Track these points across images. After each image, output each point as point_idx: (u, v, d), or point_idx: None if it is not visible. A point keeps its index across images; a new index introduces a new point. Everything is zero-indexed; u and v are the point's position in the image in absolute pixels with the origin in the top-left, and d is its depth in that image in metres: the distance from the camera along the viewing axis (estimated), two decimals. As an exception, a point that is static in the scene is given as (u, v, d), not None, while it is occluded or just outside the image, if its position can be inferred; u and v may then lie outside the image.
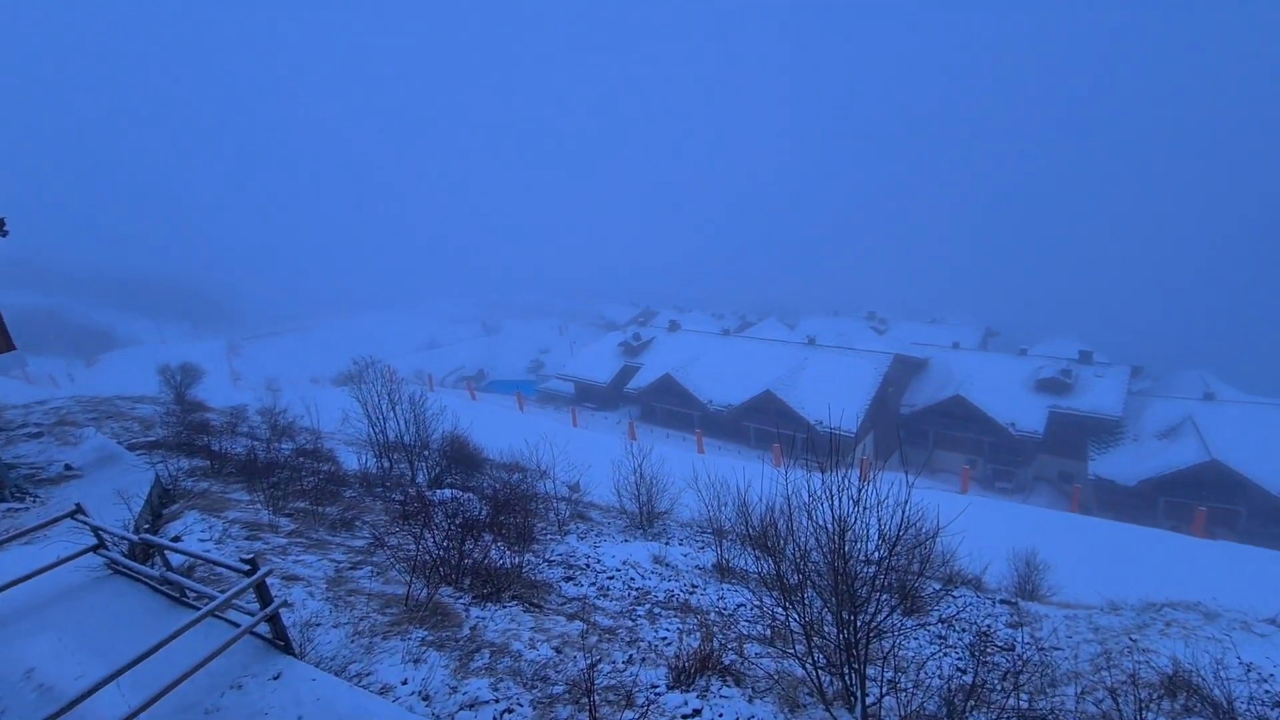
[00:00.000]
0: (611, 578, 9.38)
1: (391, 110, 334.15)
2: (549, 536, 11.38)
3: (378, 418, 15.54)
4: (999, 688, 4.53)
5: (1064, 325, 75.13)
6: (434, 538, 7.38)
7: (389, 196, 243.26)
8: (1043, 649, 7.39)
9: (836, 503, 4.35)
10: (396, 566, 7.54)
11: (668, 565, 10.30)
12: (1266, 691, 6.14)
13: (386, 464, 15.59)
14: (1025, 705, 4.56)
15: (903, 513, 4.35)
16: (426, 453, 16.18)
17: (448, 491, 13.10)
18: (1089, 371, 36.94)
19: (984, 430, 35.91)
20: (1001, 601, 10.43)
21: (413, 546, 7.17)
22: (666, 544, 11.79)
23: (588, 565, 9.93)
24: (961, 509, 10.43)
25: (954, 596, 9.68)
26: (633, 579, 9.41)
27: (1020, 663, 5.17)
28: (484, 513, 9.16)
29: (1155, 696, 5.35)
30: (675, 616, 7.50)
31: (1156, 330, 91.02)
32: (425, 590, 6.53)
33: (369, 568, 7.95)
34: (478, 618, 6.49)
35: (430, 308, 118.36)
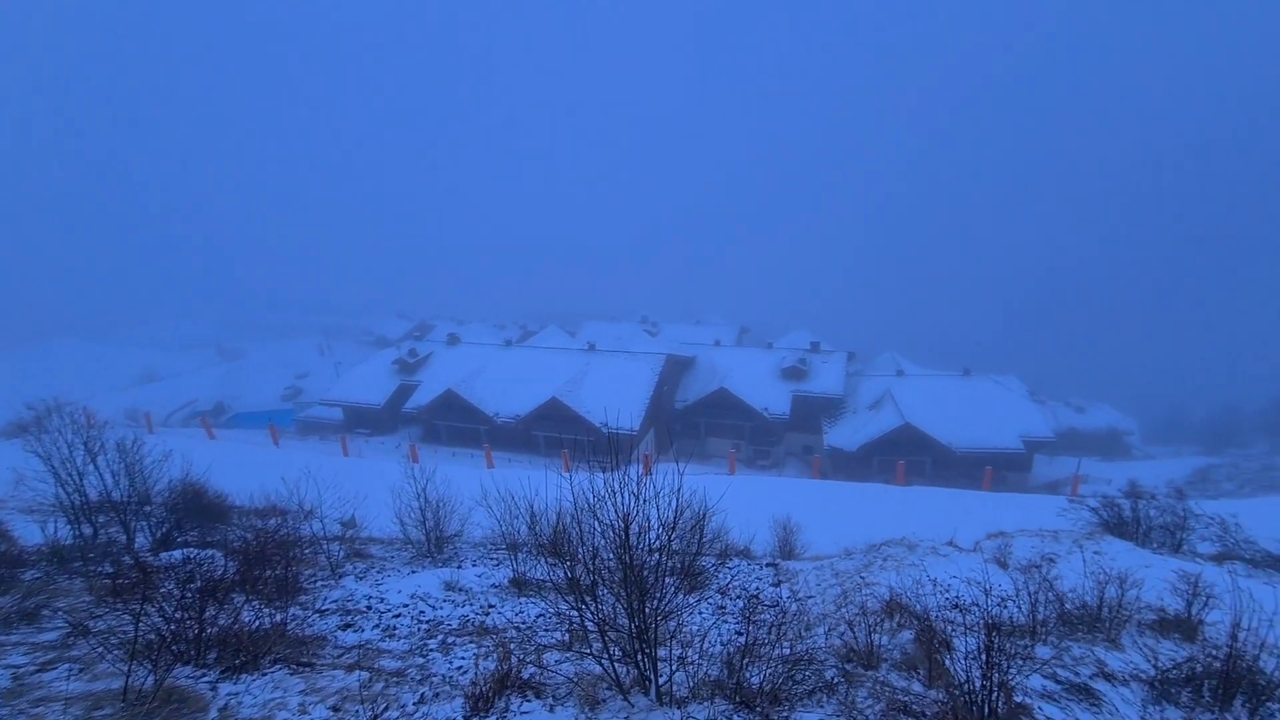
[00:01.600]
0: (398, 615, 8.64)
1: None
2: (320, 583, 10.09)
3: (71, 474, 12.29)
4: (767, 641, 5.17)
5: (798, 320, 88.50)
6: (162, 610, 6.05)
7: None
8: (799, 600, 8.61)
9: (619, 499, 4.56)
10: (110, 655, 6.03)
11: (462, 590, 9.81)
12: (947, 598, 7.91)
13: (89, 530, 12.41)
14: (788, 651, 5.25)
15: (676, 500, 4.73)
16: (148, 509, 13.24)
17: (179, 552, 10.88)
18: (818, 359, 43.99)
19: (745, 416, 40.64)
20: (767, 564, 11.87)
21: (131, 627, 5.79)
22: (459, 568, 11.24)
23: (369, 607, 9.02)
24: (731, 488, 11.62)
25: (729, 568, 10.79)
26: (423, 612, 8.78)
27: (783, 616, 5.97)
28: (231, 570, 7.78)
29: (878, 621, 6.55)
30: (471, 642, 7.17)
31: (862, 319, 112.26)
32: (152, 676, 5.33)
33: (67, 665, 6.24)
34: (229, 694, 5.48)
35: (145, 333, 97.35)
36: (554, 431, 36.47)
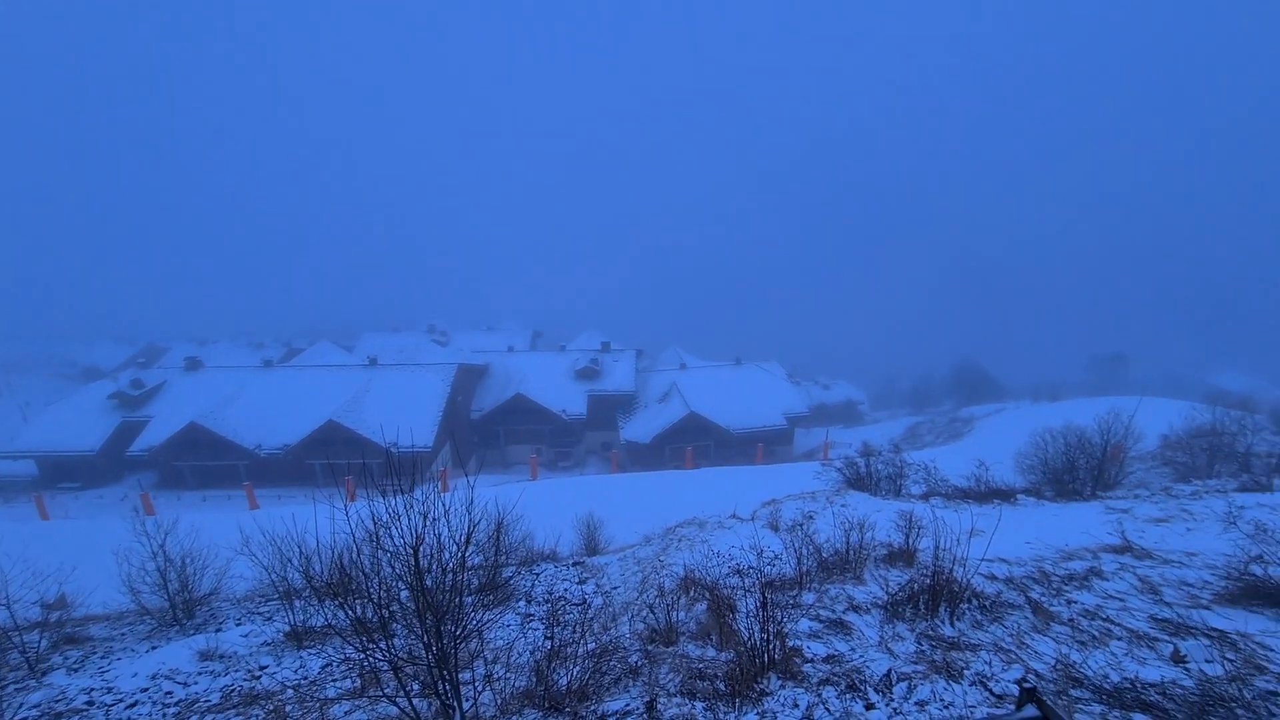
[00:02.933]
0: (134, 705, 7.07)
1: None
2: (11, 689, 7.83)
3: None
4: (573, 640, 5.25)
5: (588, 321, 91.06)
6: None
7: None
8: (605, 593, 8.89)
9: (407, 522, 4.26)
10: None
11: (223, 657, 8.35)
12: (731, 566, 8.80)
13: None
14: (594, 646, 5.40)
15: (468, 513, 4.57)
16: None
17: None
18: (609, 358, 45.75)
19: (543, 420, 40.70)
20: (573, 564, 12.04)
21: None
22: (218, 631, 9.55)
23: (91, 703, 7.24)
24: (532, 494, 11.54)
25: (535, 573, 10.74)
26: (170, 693, 7.29)
27: (588, 612, 6.12)
28: None
29: (676, 598, 7.05)
30: (238, 715, 6.14)
31: (647, 317, 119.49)
32: None
33: None
34: None
35: None
36: (334, 457, 32.84)
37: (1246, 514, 10.31)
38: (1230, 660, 5.39)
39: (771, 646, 5.12)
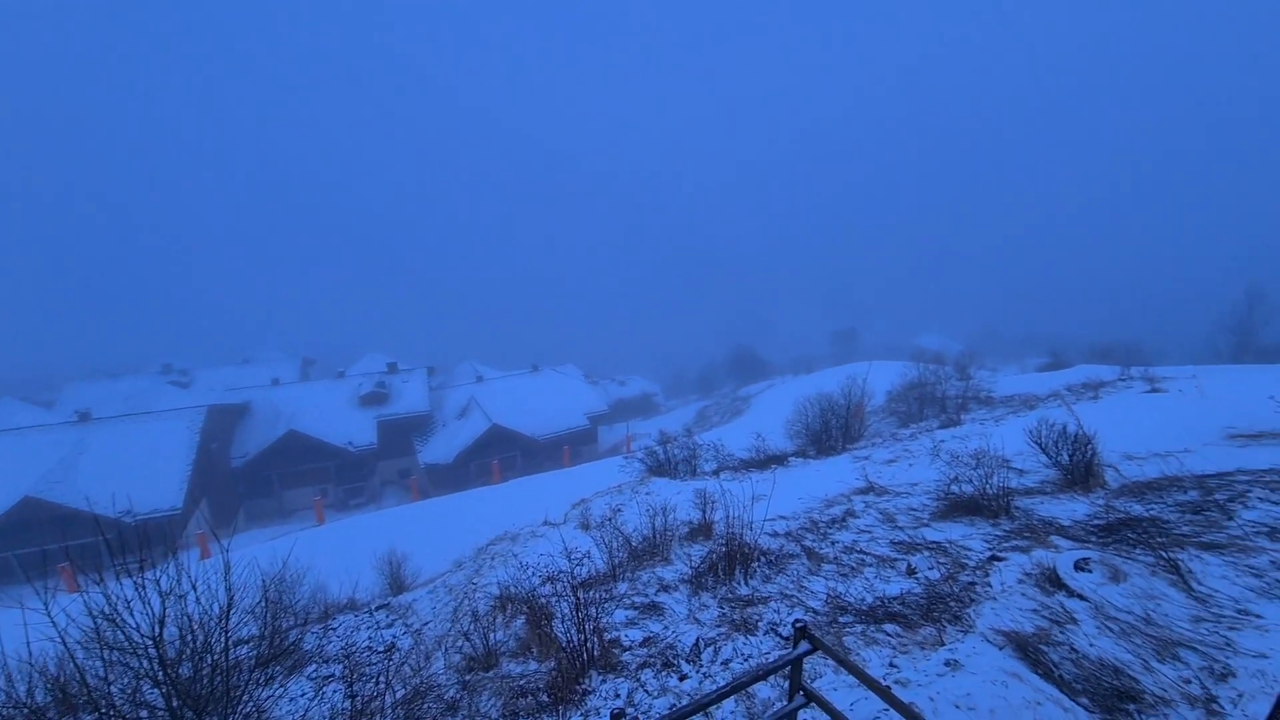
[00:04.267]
0: None
1: None
2: None
3: None
4: (377, 693, 4.81)
5: (369, 342, 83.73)
6: None
7: None
8: (415, 631, 8.28)
9: (146, 606, 3.49)
10: None
11: None
12: (543, 574, 8.79)
13: None
14: (405, 693, 5.00)
15: (225, 579, 3.89)
16: None
17: None
18: (398, 379, 42.61)
19: (326, 457, 36.50)
20: (377, 608, 11.01)
21: None
22: None
23: None
24: (322, 540, 10.28)
25: (332, 628, 9.61)
26: None
27: (396, 656, 5.64)
28: None
29: (492, 619, 6.83)
30: None
31: (434, 334, 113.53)
32: None
33: None
34: None
35: None
36: (37, 543, 25.83)
37: (945, 446, 13.02)
38: (943, 564, 6.77)
39: (590, 645, 5.21)
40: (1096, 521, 7.55)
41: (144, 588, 3.52)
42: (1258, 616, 4.94)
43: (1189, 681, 4.27)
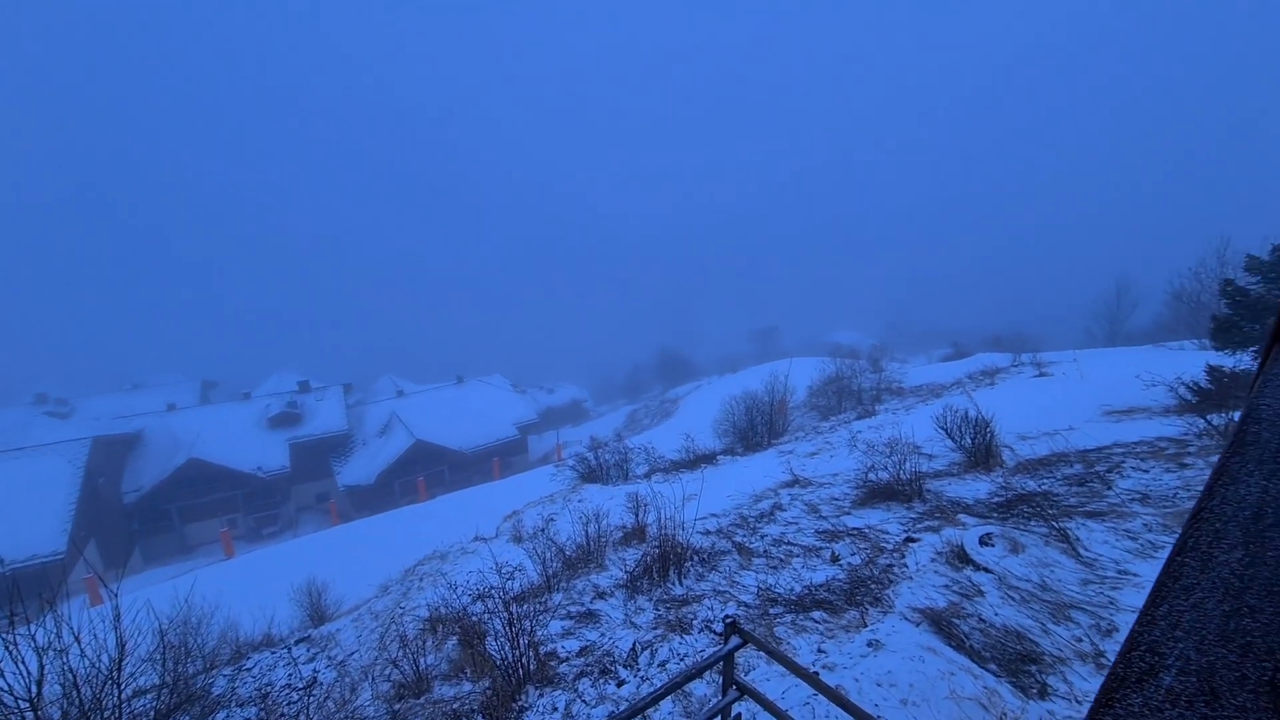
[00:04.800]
0: None
1: None
2: None
3: None
4: (299, 733, 4.53)
5: (278, 361, 78.87)
6: None
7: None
8: (339, 663, 7.85)
9: (19, 666, 3.11)
10: None
11: None
12: (477, 586, 8.58)
13: None
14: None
15: (116, 626, 3.54)
16: None
17: None
18: (311, 398, 40.35)
19: (233, 485, 34.05)
20: (296, 642, 10.36)
21: None
22: None
23: None
24: (231, 575, 9.56)
25: (245, 669, 8.96)
26: None
27: (318, 692, 5.32)
28: None
29: (422, 643, 6.58)
30: None
31: (352, 349, 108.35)
32: None
33: None
34: None
35: None
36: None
37: (862, 436, 13.68)
38: (864, 549, 7.11)
39: (525, 660, 5.12)
40: (997, 499, 8.15)
41: (15, 645, 3.14)
42: (1135, 575, 5.49)
43: (1080, 640, 4.69)
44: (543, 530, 11.69)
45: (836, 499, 9.99)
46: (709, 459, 16.94)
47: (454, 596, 7.83)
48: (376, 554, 19.29)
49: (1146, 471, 8.10)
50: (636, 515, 9.93)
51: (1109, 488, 7.72)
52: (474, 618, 6.68)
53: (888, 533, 7.62)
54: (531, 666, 5.08)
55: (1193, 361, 14.41)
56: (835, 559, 7.02)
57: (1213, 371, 10.17)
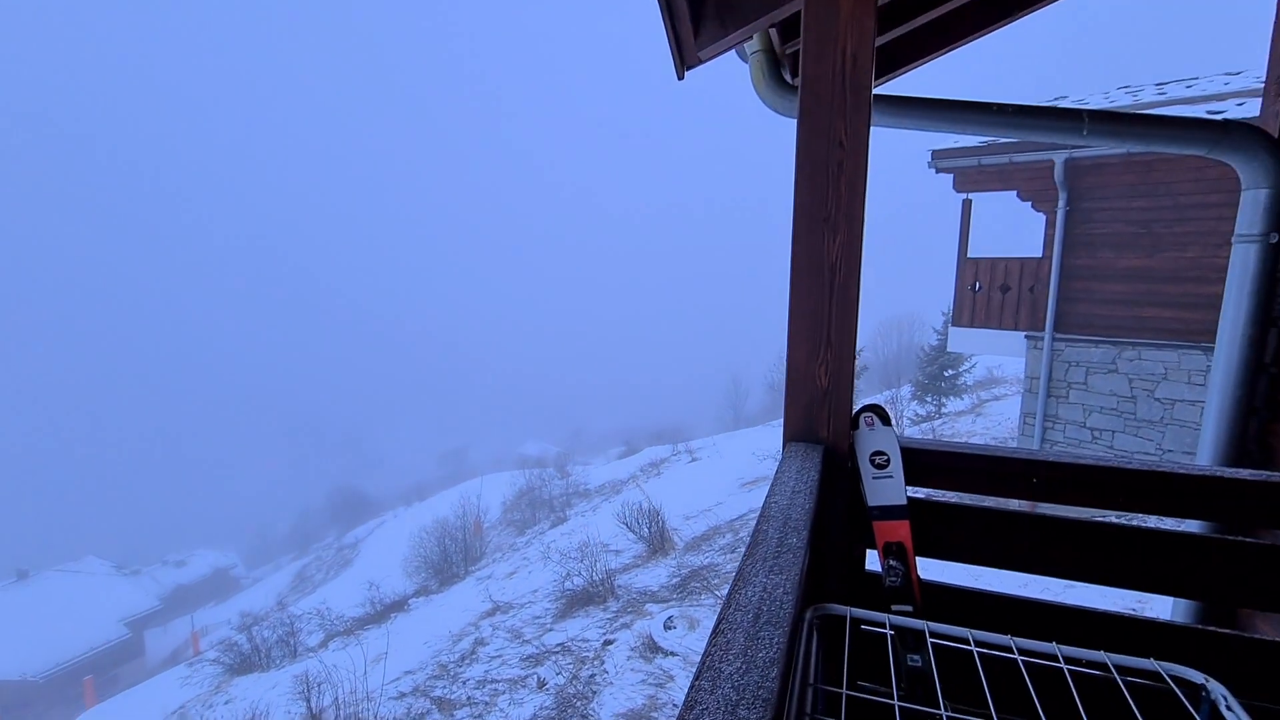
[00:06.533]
0: None
1: None
2: None
3: None
4: None
5: None
6: None
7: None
8: None
9: None
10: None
11: None
12: None
13: None
14: None
15: None
16: None
17: None
18: None
19: None
20: None
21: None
22: None
23: None
24: None
25: None
26: None
27: None
28: None
29: None
30: None
31: None
32: None
33: None
34: None
35: None
36: None
37: (555, 545, 13.95)
38: (568, 666, 7.08)
39: None
40: (675, 580, 9.06)
41: None
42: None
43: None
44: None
45: (538, 617, 9.84)
46: (399, 606, 15.13)
47: None
48: None
49: (773, 529, 10.03)
50: (309, 702, 8.18)
51: (751, 549, 9.29)
52: None
53: (589, 640, 7.74)
54: None
55: (788, 434, 18.76)
56: (541, 685, 6.81)
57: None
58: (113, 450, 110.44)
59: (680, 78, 1.74)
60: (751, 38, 1.82)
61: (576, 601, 9.40)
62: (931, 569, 1.59)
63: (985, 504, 1.65)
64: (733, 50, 1.88)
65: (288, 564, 50.25)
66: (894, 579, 1.39)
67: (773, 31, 1.88)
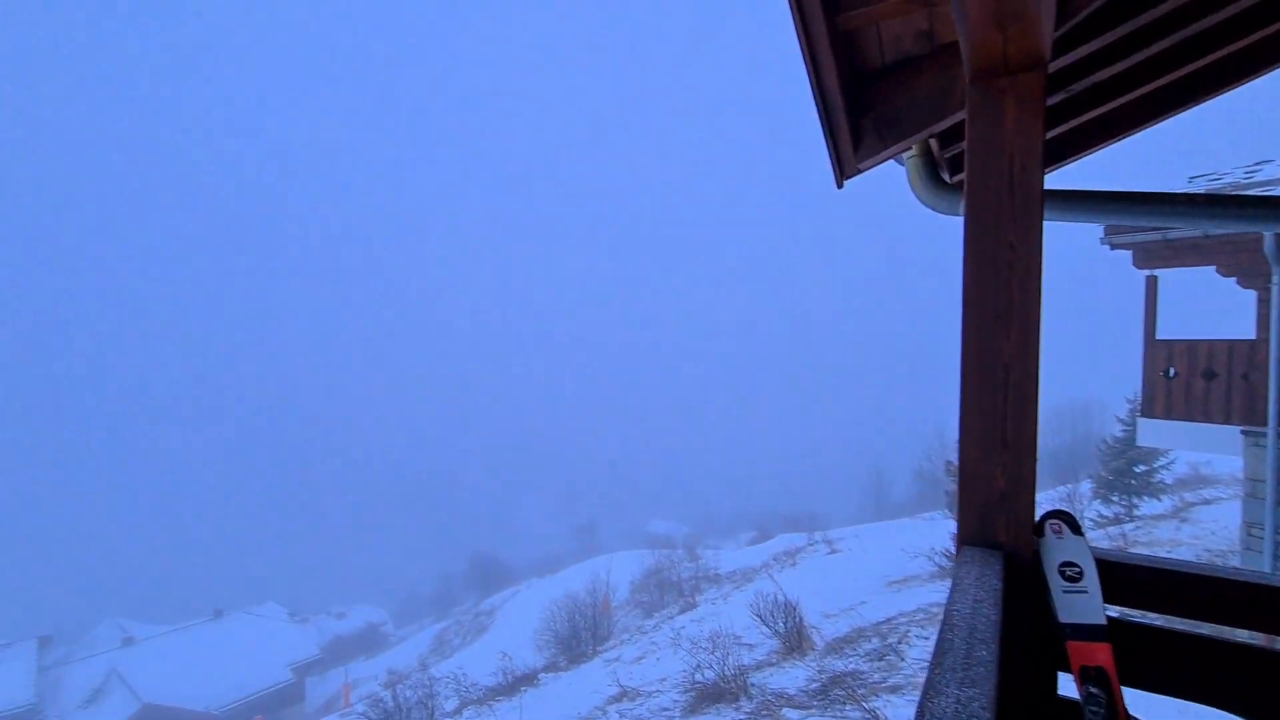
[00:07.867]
0: None
1: None
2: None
3: None
4: None
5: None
6: None
7: None
8: None
9: None
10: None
11: None
12: None
13: None
14: None
15: None
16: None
17: None
18: (-16, 662, 29.77)
19: None
20: None
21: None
22: None
23: None
24: None
25: None
26: None
27: None
28: None
29: None
30: None
31: (61, 585, 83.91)
32: None
33: None
34: None
35: None
36: None
37: (685, 632, 13.51)
38: (700, 766, 6.68)
39: None
40: (814, 684, 8.37)
41: None
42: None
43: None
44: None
45: (666, 709, 9.47)
46: (529, 679, 15.26)
47: None
48: None
49: (928, 638, 9.00)
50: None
51: (902, 659, 8.38)
52: None
53: (722, 740, 7.31)
54: None
55: (941, 531, 17.00)
56: (671, 784, 6.47)
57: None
58: (290, 504, 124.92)
59: (839, 187, 1.86)
60: (911, 147, 1.91)
61: (707, 696, 8.95)
62: (1136, 703, 1.41)
63: (1201, 630, 1.45)
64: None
65: (430, 625, 52.86)
66: (1096, 708, 1.26)
67: (932, 141, 1.96)
